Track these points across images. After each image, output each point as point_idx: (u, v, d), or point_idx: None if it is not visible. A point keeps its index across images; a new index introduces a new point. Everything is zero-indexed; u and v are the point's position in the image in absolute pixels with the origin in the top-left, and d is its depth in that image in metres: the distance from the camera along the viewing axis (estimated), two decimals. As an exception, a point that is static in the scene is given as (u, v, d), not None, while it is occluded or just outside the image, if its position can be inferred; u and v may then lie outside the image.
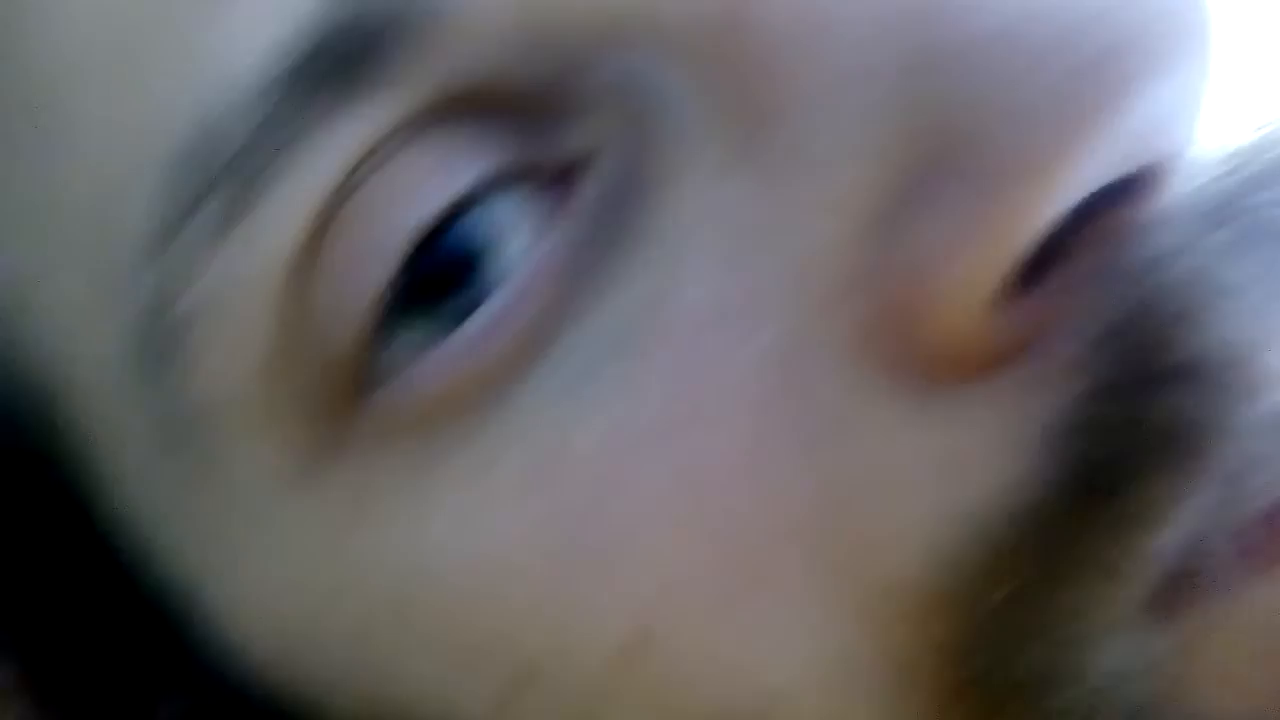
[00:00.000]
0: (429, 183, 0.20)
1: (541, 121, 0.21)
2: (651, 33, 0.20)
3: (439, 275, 0.21)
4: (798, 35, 0.19)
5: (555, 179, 0.21)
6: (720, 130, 0.20)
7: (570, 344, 0.20)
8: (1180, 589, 0.19)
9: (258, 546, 0.23)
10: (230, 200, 0.20)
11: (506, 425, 0.21)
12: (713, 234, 0.20)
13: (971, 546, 0.19)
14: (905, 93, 0.19)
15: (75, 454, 0.24)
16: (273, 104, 0.20)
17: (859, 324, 0.19)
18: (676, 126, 0.20)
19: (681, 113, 0.20)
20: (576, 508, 0.20)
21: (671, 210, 0.20)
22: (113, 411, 0.23)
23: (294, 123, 0.20)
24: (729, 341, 0.20)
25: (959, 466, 0.19)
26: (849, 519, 0.20)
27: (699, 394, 0.20)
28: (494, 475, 0.21)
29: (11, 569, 0.26)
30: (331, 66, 0.20)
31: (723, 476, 0.20)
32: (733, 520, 0.20)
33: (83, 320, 0.22)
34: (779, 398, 0.20)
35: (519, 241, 0.21)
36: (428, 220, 0.20)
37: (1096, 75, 0.18)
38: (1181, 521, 0.18)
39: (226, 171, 0.20)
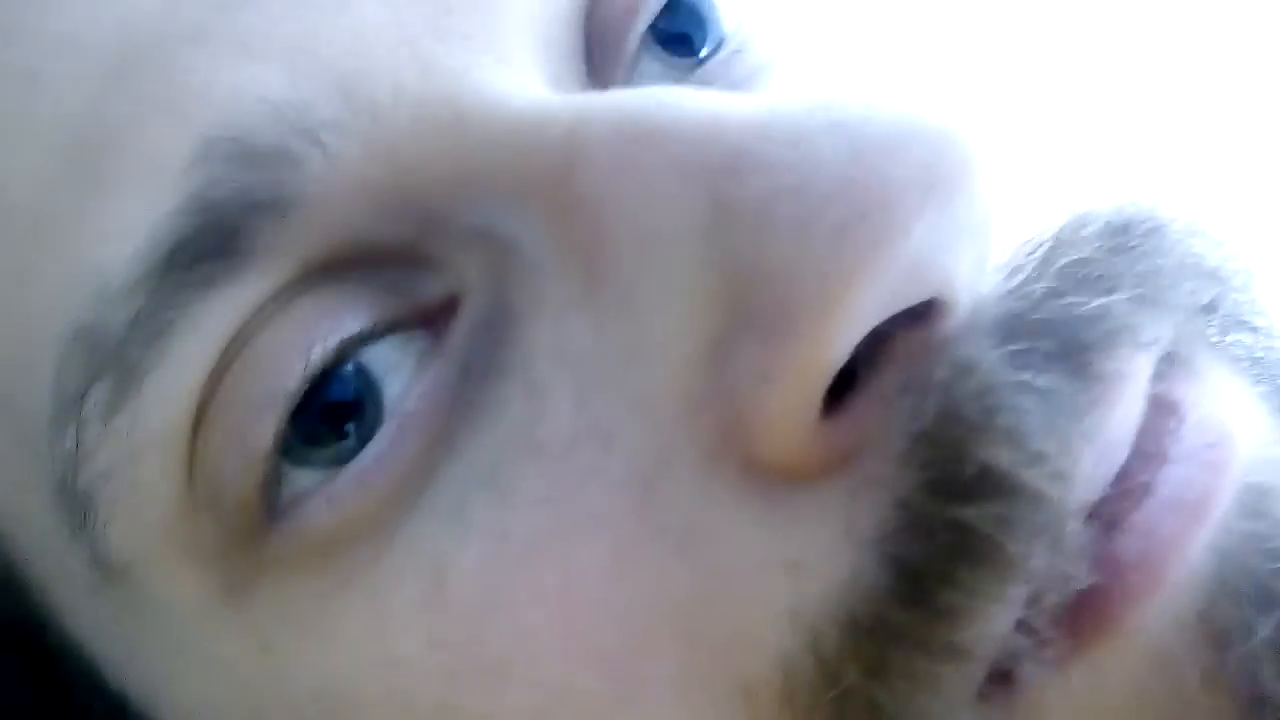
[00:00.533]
0: (305, 342, 0.22)
1: (410, 269, 0.23)
2: (495, 186, 0.22)
3: (327, 418, 0.23)
4: (615, 190, 0.21)
5: (429, 320, 0.23)
6: (563, 273, 0.22)
7: (449, 475, 0.22)
8: (1002, 679, 0.20)
9: (193, 665, 0.25)
10: (115, 386, 0.22)
11: (398, 552, 0.22)
12: (564, 368, 0.22)
13: (812, 643, 0.20)
14: (706, 245, 0.21)
15: (26, 581, 0.26)
16: (144, 297, 0.22)
17: (704, 440, 0.21)
18: (528, 269, 0.22)
19: (532, 256, 0.22)
20: (463, 629, 0.22)
21: (529, 346, 0.22)
22: (51, 551, 0.25)
23: (166, 312, 0.22)
24: (586, 465, 0.21)
25: (800, 567, 0.21)
26: (711, 622, 0.21)
27: (563, 516, 0.21)
28: (389, 600, 0.22)
29: None
30: (195, 257, 0.22)
31: (592, 591, 0.21)
32: (606, 632, 0.21)
33: (13, 473, 0.24)
34: (638, 513, 0.21)
35: (400, 381, 0.23)
36: (307, 378, 0.22)
37: (858, 229, 0.19)
38: (994, 616, 0.20)
39: (109, 360, 0.22)
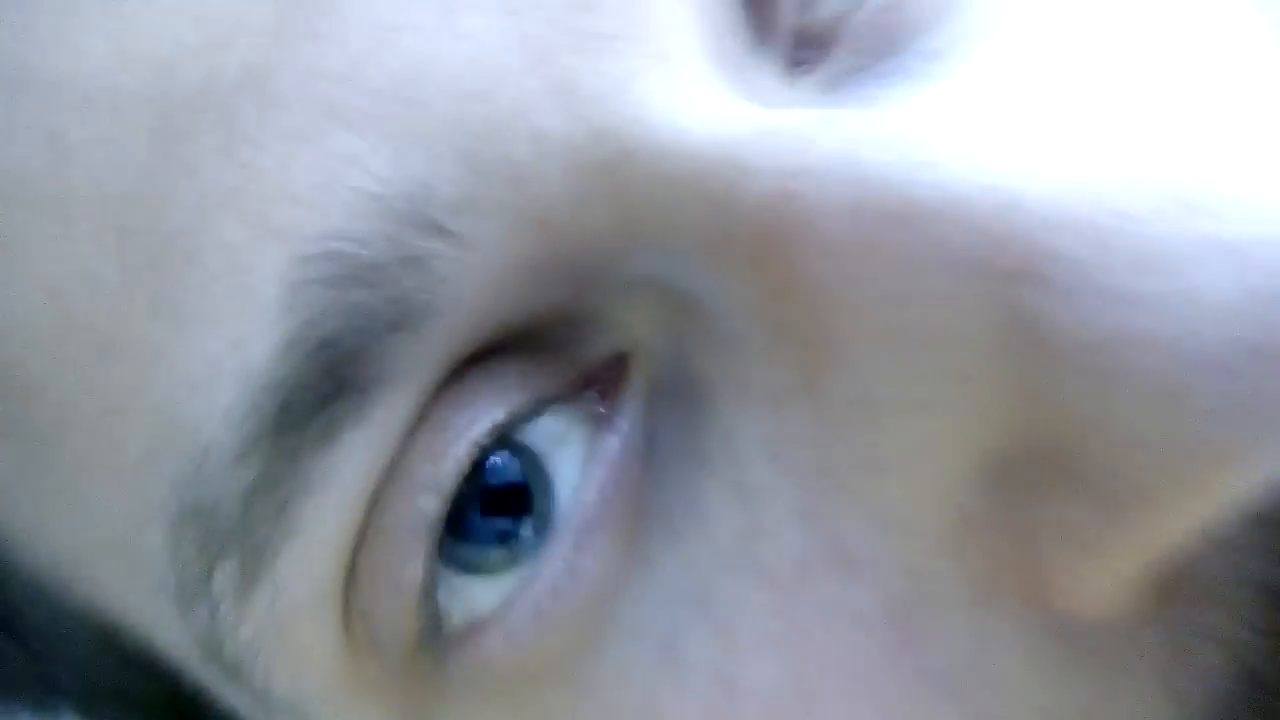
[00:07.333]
0: (441, 447, 0.19)
1: (564, 328, 0.19)
2: (674, 242, 0.18)
3: (492, 508, 0.19)
4: (850, 277, 0.17)
5: (591, 381, 0.19)
6: (775, 354, 0.18)
7: (647, 593, 0.19)
8: None
9: None
10: (243, 567, 0.19)
11: (601, 686, 0.19)
12: (784, 471, 0.18)
13: None
14: (992, 361, 0.16)
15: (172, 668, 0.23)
16: (256, 466, 0.18)
17: (972, 569, 0.17)
18: (722, 337, 0.18)
19: (726, 322, 0.18)
20: None
21: (734, 436, 0.18)
22: (202, 671, 0.22)
23: (286, 481, 0.18)
24: (826, 597, 0.18)
25: (1106, 715, 0.17)
26: None
27: (804, 660, 0.18)
28: None
29: None
30: (311, 407, 0.18)
31: None
32: None
33: (142, 605, 0.21)
34: (897, 654, 0.18)
35: (572, 462, 0.19)
36: (448, 496, 0.19)
37: (1255, 404, 0.15)
38: None
39: (230, 541, 0.18)
